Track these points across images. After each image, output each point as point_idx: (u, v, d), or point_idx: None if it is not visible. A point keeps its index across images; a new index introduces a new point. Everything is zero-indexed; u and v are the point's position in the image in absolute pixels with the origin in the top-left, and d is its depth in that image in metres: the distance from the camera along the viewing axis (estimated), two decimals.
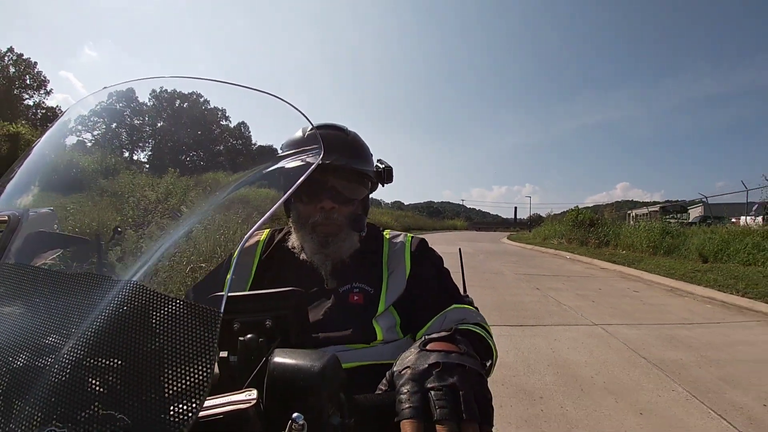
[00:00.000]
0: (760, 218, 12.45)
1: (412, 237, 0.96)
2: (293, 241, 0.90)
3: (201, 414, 0.38)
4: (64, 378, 0.37)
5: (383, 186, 0.95)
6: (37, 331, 0.41)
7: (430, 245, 0.97)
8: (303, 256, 0.88)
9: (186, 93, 0.85)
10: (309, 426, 0.38)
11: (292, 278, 0.84)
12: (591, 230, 14.54)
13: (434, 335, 0.53)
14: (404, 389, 0.45)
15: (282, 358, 0.44)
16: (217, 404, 0.41)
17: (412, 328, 0.84)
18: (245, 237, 0.70)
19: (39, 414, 0.34)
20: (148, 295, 0.41)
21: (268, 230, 0.97)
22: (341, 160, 0.84)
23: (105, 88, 0.68)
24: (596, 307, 5.19)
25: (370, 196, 0.95)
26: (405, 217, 47.09)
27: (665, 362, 3.20)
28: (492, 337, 0.77)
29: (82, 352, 0.38)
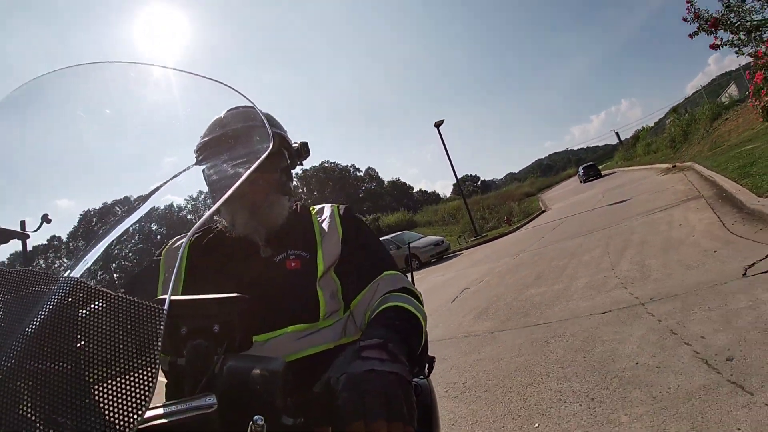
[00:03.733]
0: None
1: (338, 205, 0.99)
2: (223, 220, 0.91)
3: (161, 420, 0.39)
4: None
5: (301, 163, 0.99)
6: None
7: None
8: (236, 232, 0.89)
9: None
10: (267, 427, 0.41)
11: (227, 260, 0.85)
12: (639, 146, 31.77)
13: (368, 342, 0.61)
14: (344, 394, 0.51)
15: (238, 364, 0.46)
16: (178, 410, 0.41)
17: (347, 296, 0.87)
18: (180, 239, 0.78)
19: None
20: (88, 293, 0.40)
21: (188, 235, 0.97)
22: None
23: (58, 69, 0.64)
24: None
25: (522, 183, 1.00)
26: (529, 184, 46.10)
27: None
28: (419, 300, 0.84)
29: (18, 354, 0.35)
